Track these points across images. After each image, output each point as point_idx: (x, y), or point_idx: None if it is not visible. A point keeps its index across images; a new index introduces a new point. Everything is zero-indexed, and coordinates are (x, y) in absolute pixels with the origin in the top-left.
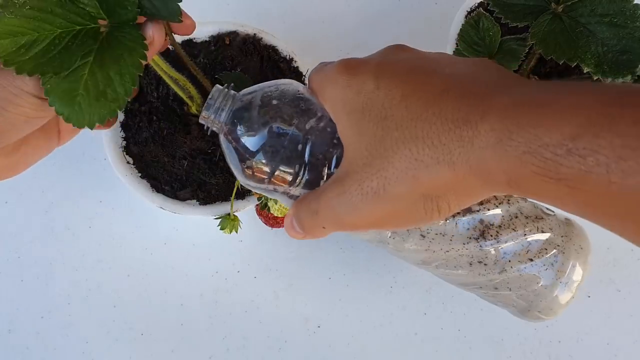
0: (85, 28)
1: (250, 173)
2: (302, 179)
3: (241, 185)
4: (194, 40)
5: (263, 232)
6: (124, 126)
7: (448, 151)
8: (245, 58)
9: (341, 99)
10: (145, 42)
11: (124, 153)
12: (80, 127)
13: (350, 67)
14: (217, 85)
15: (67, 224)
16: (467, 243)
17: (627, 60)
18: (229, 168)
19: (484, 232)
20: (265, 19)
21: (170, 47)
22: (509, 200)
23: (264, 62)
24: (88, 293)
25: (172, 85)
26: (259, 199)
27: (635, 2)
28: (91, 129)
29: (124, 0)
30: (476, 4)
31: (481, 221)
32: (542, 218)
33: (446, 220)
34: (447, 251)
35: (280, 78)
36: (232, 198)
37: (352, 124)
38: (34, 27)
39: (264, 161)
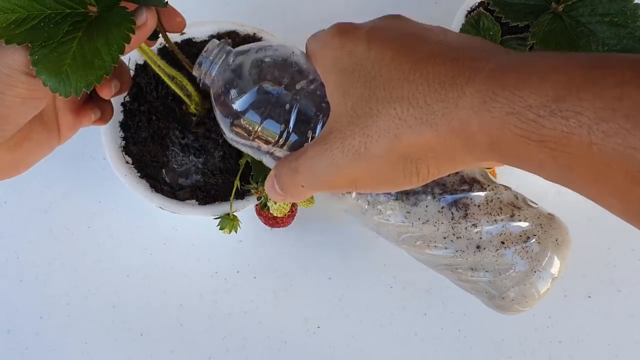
0: (74, 12)
1: (237, 129)
2: (286, 139)
3: (240, 186)
4: (194, 40)
5: (263, 232)
6: (123, 126)
7: (432, 112)
8: None
9: (332, 59)
10: (132, 17)
11: (123, 153)
12: (67, 95)
13: (345, 30)
14: (214, 39)
15: (66, 224)
16: (447, 221)
17: None
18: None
19: (466, 211)
20: (265, 19)
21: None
22: (492, 188)
23: None
24: (87, 293)
25: (171, 84)
26: (258, 198)
27: (635, 1)
28: (77, 95)
29: None
30: (476, 4)
31: (463, 201)
32: (522, 208)
33: (430, 196)
34: (424, 223)
35: None
36: (231, 198)
37: (340, 83)
38: (24, 5)
39: (251, 118)
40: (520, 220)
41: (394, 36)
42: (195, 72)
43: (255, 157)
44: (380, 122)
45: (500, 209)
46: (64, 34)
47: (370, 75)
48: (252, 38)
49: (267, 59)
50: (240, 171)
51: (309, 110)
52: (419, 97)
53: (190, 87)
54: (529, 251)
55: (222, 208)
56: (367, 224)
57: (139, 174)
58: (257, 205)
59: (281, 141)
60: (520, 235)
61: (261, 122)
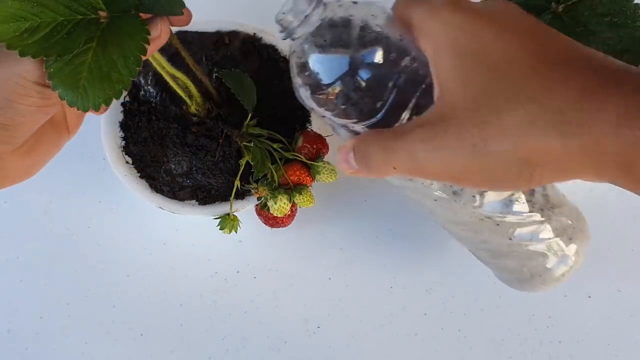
0: (86, 18)
1: (322, 97)
2: (376, 117)
3: (240, 186)
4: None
5: (263, 232)
6: (123, 126)
7: (566, 120)
8: (245, 57)
9: (449, 39)
10: (145, 27)
11: (123, 153)
12: (85, 110)
13: (465, 8)
14: None
15: (66, 224)
16: (495, 210)
17: (627, 59)
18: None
19: (510, 201)
20: (265, 19)
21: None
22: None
23: (264, 62)
24: (87, 293)
25: (172, 84)
26: (258, 199)
27: (635, 1)
28: (96, 110)
29: None
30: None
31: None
32: (563, 205)
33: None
34: (474, 212)
35: (280, 78)
36: (231, 198)
37: (458, 68)
38: (36, 12)
39: (343, 89)
40: (560, 215)
41: (526, 27)
42: (279, 21)
43: (320, 117)
44: (507, 120)
45: (548, 205)
46: (78, 45)
47: (499, 68)
48: (252, 37)
49: (376, 26)
50: (241, 171)
51: (408, 90)
52: (553, 102)
53: (192, 88)
54: (560, 243)
55: (222, 208)
56: (415, 201)
57: (139, 174)
58: (257, 205)
59: (370, 119)
60: (559, 229)
61: (356, 97)
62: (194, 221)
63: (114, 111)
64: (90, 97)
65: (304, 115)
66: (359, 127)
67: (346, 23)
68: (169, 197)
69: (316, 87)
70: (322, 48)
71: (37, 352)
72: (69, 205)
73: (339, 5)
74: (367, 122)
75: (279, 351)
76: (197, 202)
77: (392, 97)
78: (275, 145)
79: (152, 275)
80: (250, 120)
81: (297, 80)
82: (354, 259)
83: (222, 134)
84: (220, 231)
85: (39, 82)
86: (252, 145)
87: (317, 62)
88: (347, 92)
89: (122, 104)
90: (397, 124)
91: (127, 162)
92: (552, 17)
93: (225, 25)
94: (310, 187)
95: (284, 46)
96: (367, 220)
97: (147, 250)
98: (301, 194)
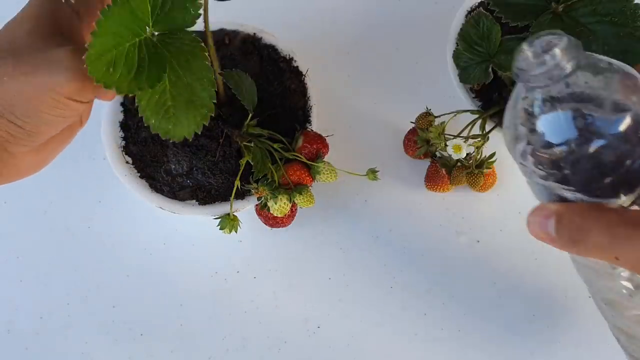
0: (141, 38)
1: (542, 155)
2: (594, 190)
3: (241, 186)
4: None
5: (263, 232)
6: (123, 126)
7: None
8: (244, 57)
9: None
10: (200, 43)
11: (123, 153)
12: (179, 139)
13: None
14: (559, 32)
15: (66, 224)
16: None
17: (626, 59)
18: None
19: None
20: (265, 19)
21: None
22: None
23: (264, 62)
24: (87, 293)
25: None
26: (258, 199)
27: (635, 1)
28: (189, 138)
29: (184, 1)
30: (476, 4)
31: None
32: None
33: None
34: None
35: (280, 78)
36: (231, 198)
37: None
38: (114, 43)
39: (574, 154)
40: None
41: None
42: (527, 63)
43: (528, 182)
44: None
45: None
46: (149, 71)
47: None
48: (252, 37)
49: (627, 96)
50: (241, 171)
51: None
52: None
53: None
54: None
55: (222, 208)
56: (594, 281)
57: (139, 174)
58: (257, 205)
59: (586, 190)
60: None
61: (581, 164)
62: (194, 221)
63: (114, 111)
64: (184, 126)
65: (304, 115)
66: (569, 194)
67: (600, 87)
68: (169, 197)
69: (539, 143)
70: (566, 106)
71: (37, 352)
72: (69, 205)
73: (595, 65)
74: (583, 195)
75: (279, 351)
76: (197, 202)
77: (623, 175)
78: (275, 145)
79: (152, 275)
80: (251, 120)
81: (516, 129)
82: (354, 259)
83: (222, 134)
84: (220, 231)
85: (70, 97)
86: (252, 145)
87: (554, 120)
88: (576, 158)
89: (122, 104)
90: (612, 202)
91: (127, 162)
92: (552, 17)
93: (226, 25)
94: (310, 187)
95: (284, 46)
96: (367, 220)
97: (147, 250)
98: (301, 194)
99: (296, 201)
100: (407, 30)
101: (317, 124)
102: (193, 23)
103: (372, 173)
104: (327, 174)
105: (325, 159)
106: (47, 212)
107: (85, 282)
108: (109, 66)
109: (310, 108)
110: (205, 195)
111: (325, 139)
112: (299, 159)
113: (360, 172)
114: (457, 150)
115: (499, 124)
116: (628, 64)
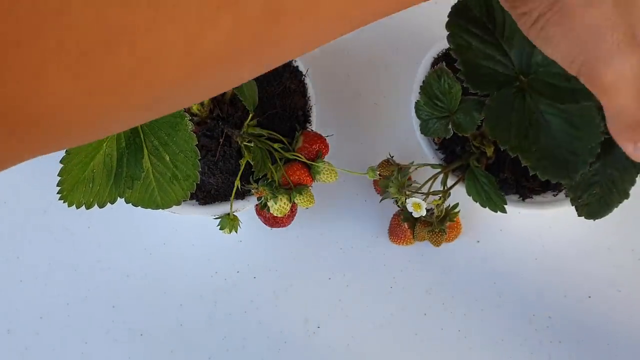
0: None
1: None
2: None
3: (241, 186)
4: None
5: (263, 232)
6: None
7: None
8: None
9: None
10: (180, 112)
11: None
12: (168, 207)
13: None
14: None
15: (66, 224)
16: None
17: (572, 162)
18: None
19: None
20: None
21: None
22: None
23: None
24: (87, 293)
25: None
26: (258, 199)
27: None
28: (179, 205)
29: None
30: (444, 50)
31: None
32: None
33: None
34: None
35: (280, 78)
36: (231, 198)
37: None
38: (81, 162)
39: None
40: None
41: None
42: None
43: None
44: None
45: None
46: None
47: None
48: None
49: None
50: (241, 171)
51: None
52: None
53: None
54: None
55: (222, 208)
56: None
57: None
58: (257, 205)
59: None
60: None
61: None
62: (194, 221)
63: None
64: (171, 199)
65: (304, 115)
66: None
67: None
68: None
69: None
70: None
71: (37, 352)
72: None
73: None
74: None
75: (279, 351)
76: (197, 202)
77: None
78: (275, 145)
79: (152, 275)
80: (251, 120)
81: None
82: (354, 259)
83: (222, 133)
84: (220, 231)
85: None
86: (252, 145)
87: None
88: None
89: None
90: None
91: None
92: (514, 93)
93: None
94: (310, 187)
95: None
96: (367, 220)
97: (147, 250)
98: (301, 194)
99: (296, 201)
100: (407, 29)
101: (317, 124)
102: None
103: (373, 172)
104: (327, 174)
105: (325, 159)
106: (47, 212)
107: (85, 282)
108: (85, 184)
109: (310, 108)
110: (205, 195)
111: (325, 139)
112: (299, 159)
113: (360, 172)
114: (417, 208)
115: (461, 179)
116: (571, 167)
